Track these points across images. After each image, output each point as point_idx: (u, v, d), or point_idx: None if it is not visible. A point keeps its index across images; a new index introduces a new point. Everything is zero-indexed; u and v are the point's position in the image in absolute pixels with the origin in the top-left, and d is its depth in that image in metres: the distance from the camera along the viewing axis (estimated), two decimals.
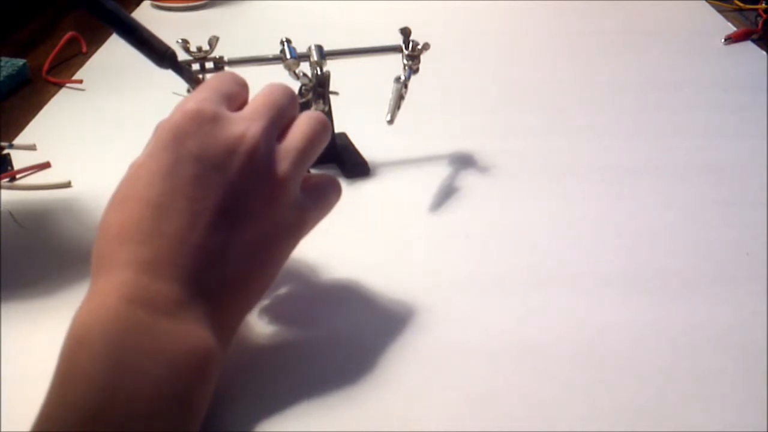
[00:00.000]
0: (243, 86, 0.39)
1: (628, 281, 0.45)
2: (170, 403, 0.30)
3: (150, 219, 0.33)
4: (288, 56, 0.52)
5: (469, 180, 0.55)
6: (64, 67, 0.74)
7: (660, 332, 0.41)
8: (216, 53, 0.52)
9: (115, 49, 0.78)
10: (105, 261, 0.33)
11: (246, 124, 0.36)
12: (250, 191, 0.35)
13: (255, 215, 0.35)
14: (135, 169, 0.35)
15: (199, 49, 0.51)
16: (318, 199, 0.39)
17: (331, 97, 0.54)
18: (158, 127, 0.36)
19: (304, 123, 0.39)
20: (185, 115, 0.35)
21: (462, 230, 0.50)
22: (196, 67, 0.51)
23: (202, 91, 0.37)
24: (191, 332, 0.32)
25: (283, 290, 0.44)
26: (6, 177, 0.53)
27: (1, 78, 0.67)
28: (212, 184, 0.34)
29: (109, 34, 0.82)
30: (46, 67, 0.72)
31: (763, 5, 0.86)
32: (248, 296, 0.37)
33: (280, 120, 0.38)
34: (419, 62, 0.54)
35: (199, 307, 0.33)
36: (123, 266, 0.32)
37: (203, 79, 0.52)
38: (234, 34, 0.78)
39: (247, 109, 0.37)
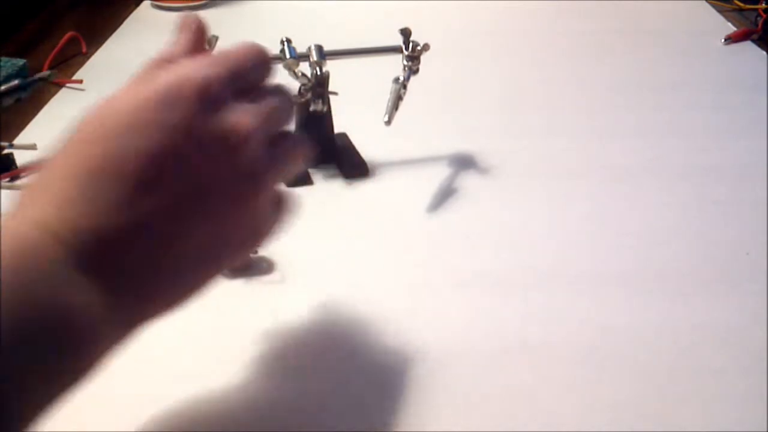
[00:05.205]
0: (264, 67, 0.37)
1: (629, 281, 0.45)
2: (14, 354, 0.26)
3: (97, 175, 0.31)
4: (288, 56, 0.52)
5: (468, 180, 0.55)
6: (64, 67, 0.74)
7: (660, 332, 0.41)
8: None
9: (115, 49, 0.78)
10: (35, 196, 0.31)
11: (247, 119, 0.33)
12: (219, 184, 0.32)
13: (216, 214, 0.32)
14: (107, 107, 0.33)
15: None
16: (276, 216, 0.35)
17: (331, 97, 0.54)
18: (152, 73, 0.34)
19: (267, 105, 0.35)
20: (189, 84, 0.32)
21: (462, 230, 0.50)
22: None
23: (215, 65, 0.34)
24: (72, 298, 0.28)
25: (282, 290, 0.44)
26: (6, 177, 0.54)
27: (1, 78, 0.67)
28: (182, 165, 0.31)
29: (109, 34, 0.82)
30: (46, 67, 0.72)
31: (763, 5, 0.86)
32: (170, 295, 0.32)
33: (272, 119, 0.35)
34: (419, 63, 0.54)
35: (100, 281, 0.29)
36: (48, 204, 0.31)
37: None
38: (234, 34, 0.78)
39: (253, 106, 0.34)
